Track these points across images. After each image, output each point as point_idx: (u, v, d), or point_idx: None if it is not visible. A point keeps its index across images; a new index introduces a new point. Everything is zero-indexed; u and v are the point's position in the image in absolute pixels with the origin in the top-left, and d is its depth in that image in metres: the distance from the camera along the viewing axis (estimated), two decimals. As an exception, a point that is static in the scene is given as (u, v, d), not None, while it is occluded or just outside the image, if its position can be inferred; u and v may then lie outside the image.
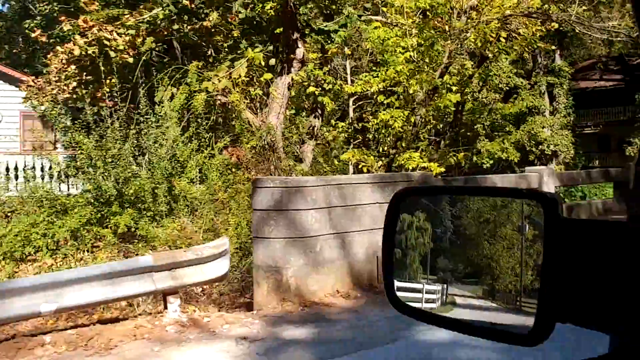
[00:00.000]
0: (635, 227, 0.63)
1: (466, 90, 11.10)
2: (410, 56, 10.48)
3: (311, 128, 14.22)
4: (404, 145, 11.02)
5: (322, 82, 13.30)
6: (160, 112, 8.97)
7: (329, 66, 14.16)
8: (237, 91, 9.67)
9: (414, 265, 1.01)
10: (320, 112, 14.06)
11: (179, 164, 8.73)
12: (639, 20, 0.57)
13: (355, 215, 5.98)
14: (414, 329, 5.01)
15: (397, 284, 0.99)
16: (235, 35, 11.10)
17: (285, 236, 5.47)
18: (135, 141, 8.71)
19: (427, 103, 10.87)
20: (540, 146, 27.40)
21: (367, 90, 13.46)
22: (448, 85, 10.65)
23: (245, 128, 9.85)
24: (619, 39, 21.53)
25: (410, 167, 10.03)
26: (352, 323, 5.22)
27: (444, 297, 0.96)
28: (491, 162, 27.89)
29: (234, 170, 9.37)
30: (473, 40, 10.26)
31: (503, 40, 10.57)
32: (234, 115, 9.71)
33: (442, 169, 10.10)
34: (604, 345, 0.74)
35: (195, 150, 9.06)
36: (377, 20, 13.64)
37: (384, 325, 5.16)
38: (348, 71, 15.60)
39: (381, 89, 12.84)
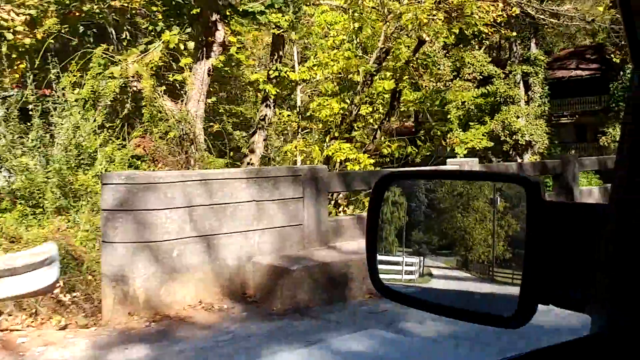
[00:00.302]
0: (618, 210, 0.64)
1: (404, 76, 10.35)
2: (341, 40, 9.74)
3: (263, 117, 13.48)
4: (336, 135, 10.30)
5: (270, 69, 12.56)
6: (61, 100, 8.19)
7: (281, 52, 13.40)
8: (149, 77, 8.89)
9: (389, 238, 1.02)
10: (272, 100, 13.32)
11: (88, 156, 7.97)
12: (623, 14, 0.58)
13: (225, 215, 5.27)
14: (283, 346, 4.32)
15: (378, 257, 0.98)
16: (158, 17, 10.30)
17: (132, 240, 4.76)
18: (41, 131, 7.95)
19: (362, 90, 10.14)
20: (514, 136, 26.74)
21: (314, 77, 12.71)
22: (386, 71, 9.93)
23: (158, 117, 9.07)
24: (583, 26, 20.82)
25: (339, 160, 9.34)
26: (205, 341, 4.50)
27: (422, 269, 0.99)
28: (465, 151, 27.28)
29: (139, 163, 8.61)
30: (406, 22, 9.50)
31: (439, 22, 9.81)
32: (143, 103, 8.93)
33: (372, 161, 9.40)
34: (586, 327, 0.74)
35: (106, 141, 8.30)
36: (323, 4, 12.87)
37: (244, 344, 4.46)
38: (295, 57, 14.80)
39: (327, 76, 12.11)
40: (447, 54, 26.68)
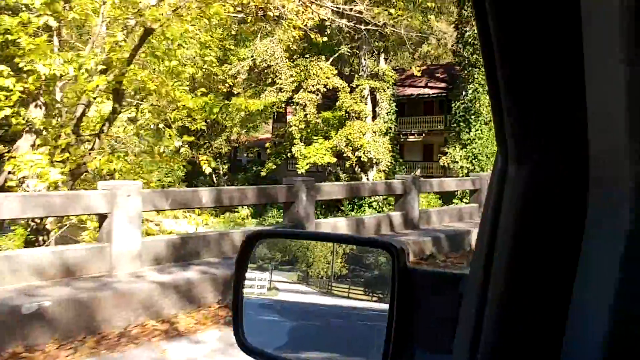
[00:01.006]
0: (478, 279, 0.67)
1: (128, 73, 7.97)
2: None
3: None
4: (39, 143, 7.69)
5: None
6: None
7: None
8: None
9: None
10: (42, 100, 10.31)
11: None
12: (480, 31, 0.57)
13: None
14: None
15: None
16: None
17: None
18: None
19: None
20: (356, 152, 25.50)
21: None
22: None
23: None
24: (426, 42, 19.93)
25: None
26: None
27: (269, 283, 1.04)
28: (307, 167, 25.62)
29: None
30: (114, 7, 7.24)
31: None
32: None
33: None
34: None
35: None
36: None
37: None
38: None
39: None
40: (292, 62, 24.98)
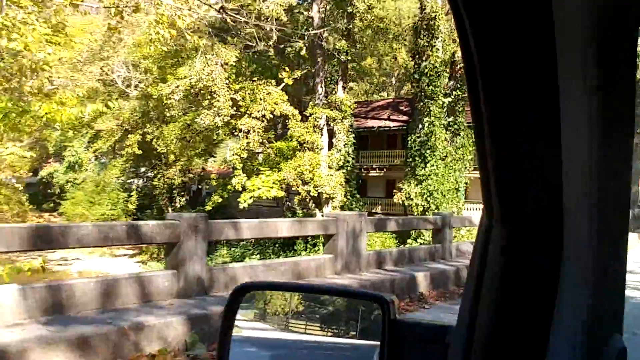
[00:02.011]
0: (465, 331, 0.71)
1: None
2: None
3: None
4: None
5: None
6: None
7: None
8: None
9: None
10: None
11: None
12: (463, 52, 0.64)
13: None
14: None
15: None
16: None
17: None
18: None
19: None
20: (306, 186, 23.70)
21: None
22: None
23: None
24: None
25: None
26: None
27: (257, 334, 1.07)
28: (251, 200, 23.78)
29: None
30: None
31: None
32: None
33: None
34: None
35: None
36: None
37: None
38: None
39: None
40: (232, 82, 23.40)
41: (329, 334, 1.01)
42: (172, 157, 26.64)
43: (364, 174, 29.27)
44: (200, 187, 36.89)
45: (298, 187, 23.76)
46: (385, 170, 28.33)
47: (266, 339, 1.05)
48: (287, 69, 23.14)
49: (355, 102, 31.48)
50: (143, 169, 37.21)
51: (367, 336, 0.95)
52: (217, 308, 5.21)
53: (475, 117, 0.64)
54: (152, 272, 6.17)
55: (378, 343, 0.87)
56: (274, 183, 23.98)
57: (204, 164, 32.05)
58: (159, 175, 33.56)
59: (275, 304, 1.08)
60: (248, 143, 22.65)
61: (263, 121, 22.98)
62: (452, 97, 23.54)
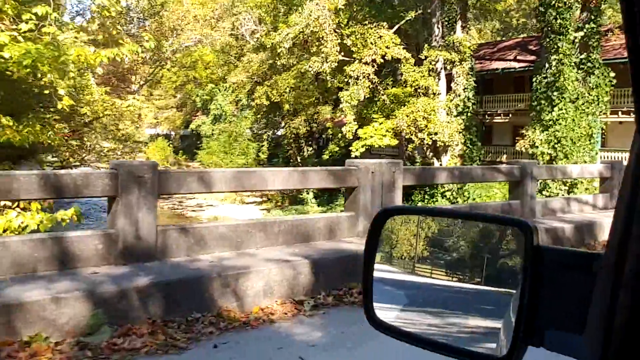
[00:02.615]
0: (614, 259, 0.67)
1: None
2: None
3: None
4: None
5: None
6: None
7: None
8: None
9: (393, 260, 1.10)
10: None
11: None
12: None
13: None
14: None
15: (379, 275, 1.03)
16: None
17: None
18: None
19: None
20: (420, 134, 22.85)
21: None
22: None
23: None
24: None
25: None
26: None
27: (400, 261, 1.08)
28: (363, 149, 23.63)
29: None
30: None
31: None
32: None
33: None
34: None
35: None
36: None
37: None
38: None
39: None
40: (343, 27, 22.95)
41: (454, 279, 1.01)
42: (286, 106, 27.14)
43: (487, 121, 27.44)
44: (324, 136, 37.41)
45: (412, 135, 22.98)
46: (511, 115, 26.25)
47: (396, 280, 1.06)
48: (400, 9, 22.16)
49: (479, 44, 29.41)
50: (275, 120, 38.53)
51: (503, 268, 0.96)
52: (145, 279, 4.23)
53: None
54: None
55: (506, 290, 0.88)
56: (387, 131, 23.46)
57: (329, 114, 32.22)
58: (285, 126, 34.60)
59: (400, 249, 1.09)
60: (358, 90, 22.26)
61: (373, 66, 22.37)
62: (585, 30, 20.82)
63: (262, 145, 38.03)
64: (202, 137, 44.46)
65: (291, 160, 35.87)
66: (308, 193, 28.58)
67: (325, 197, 29.00)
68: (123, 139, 21.38)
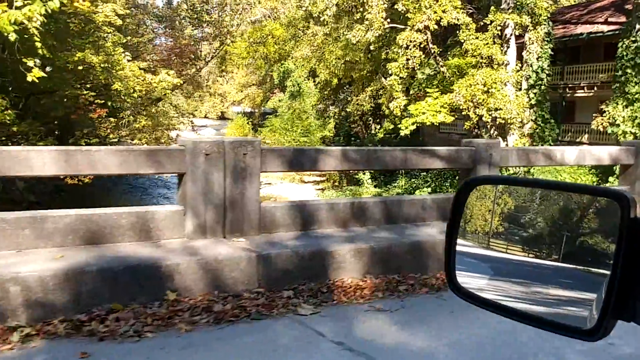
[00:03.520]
0: None
1: None
2: None
3: None
4: None
5: None
6: None
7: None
8: None
9: (475, 232, 1.09)
10: None
11: None
12: None
13: None
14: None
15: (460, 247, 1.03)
16: None
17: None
18: None
19: None
20: (477, 109, 20.10)
21: None
22: None
23: None
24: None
25: None
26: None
27: (481, 234, 1.07)
28: (414, 127, 21.33)
29: None
30: None
31: None
32: None
33: None
34: None
35: None
36: None
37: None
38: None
39: None
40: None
41: (530, 255, 1.00)
42: (335, 80, 25.21)
43: (569, 95, 23.81)
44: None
45: (469, 110, 20.27)
46: (596, 88, 22.49)
47: (475, 253, 1.04)
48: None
49: (567, 6, 25.65)
50: (342, 96, 36.73)
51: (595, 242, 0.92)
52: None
53: None
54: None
55: (595, 265, 0.86)
56: (442, 107, 20.91)
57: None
58: (351, 102, 32.69)
59: (474, 224, 1.07)
60: (408, 60, 19.88)
61: (426, 34, 19.84)
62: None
63: (329, 123, 36.44)
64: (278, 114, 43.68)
65: (358, 139, 33.99)
66: (364, 174, 26.66)
67: (384, 178, 26.96)
68: (160, 115, 20.64)
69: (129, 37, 30.84)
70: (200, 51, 36.49)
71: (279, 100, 46.67)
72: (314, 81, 35.60)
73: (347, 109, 34.81)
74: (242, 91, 63.15)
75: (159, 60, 28.51)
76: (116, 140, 20.54)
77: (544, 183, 1.19)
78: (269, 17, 35.95)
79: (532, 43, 21.14)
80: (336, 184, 29.44)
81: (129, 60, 19.52)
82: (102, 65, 18.74)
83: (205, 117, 68.74)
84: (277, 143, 34.02)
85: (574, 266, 0.91)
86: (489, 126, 21.88)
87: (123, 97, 19.08)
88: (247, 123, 52.60)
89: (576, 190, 1.01)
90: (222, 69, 49.65)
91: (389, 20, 19.58)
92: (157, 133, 20.13)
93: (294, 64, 38.49)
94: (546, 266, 0.95)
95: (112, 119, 20.32)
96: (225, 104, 68.56)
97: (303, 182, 31.68)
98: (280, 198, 28.67)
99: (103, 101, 19.32)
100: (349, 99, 34.00)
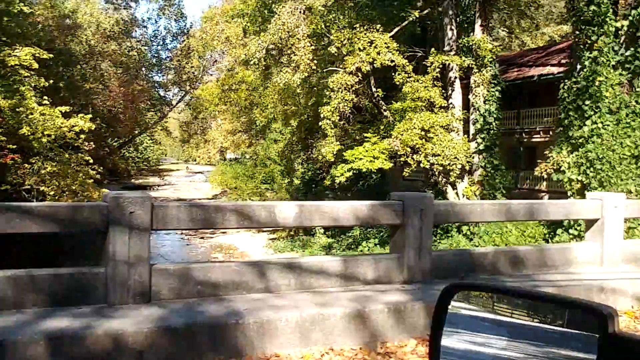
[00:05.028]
0: None
1: None
2: None
3: None
4: None
5: None
6: None
7: None
8: None
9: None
10: None
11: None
12: None
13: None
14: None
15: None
16: None
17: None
18: None
19: None
20: (414, 156, 18.51)
21: None
22: None
23: None
24: None
25: None
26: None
27: (467, 336, 1.08)
28: (349, 174, 19.75)
29: None
30: None
31: None
32: None
33: None
34: None
35: None
36: None
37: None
38: None
39: None
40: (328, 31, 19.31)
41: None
42: (275, 124, 23.87)
43: (525, 140, 22.20)
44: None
45: (407, 156, 18.70)
46: (551, 133, 20.88)
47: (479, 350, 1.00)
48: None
49: (527, 49, 24.38)
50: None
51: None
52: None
53: None
54: None
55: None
56: (381, 152, 19.37)
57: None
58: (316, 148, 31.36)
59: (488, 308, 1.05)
60: (339, 104, 18.49)
61: (358, 76, 18.52)
62: (631, 18, 15.54)
63: (297, 170, 35.06)
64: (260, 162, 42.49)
65: (318, 186, 32.49)
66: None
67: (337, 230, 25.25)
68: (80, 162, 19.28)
69: (85, 82, 29.94)
70: (165, 97, 35.75)
71: (261, 147, 45.66)
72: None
73: (313, 155, 33.52)
74: (228, 138, 62.52)
75: (110, 105, 27.55)
76: (29, 187, 19.17)
77: (521, 293, 1.23)
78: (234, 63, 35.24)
79: (478, 86, 19.73)
80: (291, 232, 27.79)
81: (44, 105, 18.43)
82: (10, 109, 17.72)
83: (209, 163, 69.03)
84: (239, 190, 32.62)
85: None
86: (435, 173, 20.23)
87: (31, 142, 17.86)
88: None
89: (554, 302, 1.03)
90: (195, 116, 48.87)
91: (315, 62, 18.31)
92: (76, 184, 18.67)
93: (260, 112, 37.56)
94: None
95: (26, 165, 19.07)
96: (212, 151, 68.02)
97: (260, 231, 30.10)
98: (231, 247, 27.16)
99: (15, 146, 18.20)
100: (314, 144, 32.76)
